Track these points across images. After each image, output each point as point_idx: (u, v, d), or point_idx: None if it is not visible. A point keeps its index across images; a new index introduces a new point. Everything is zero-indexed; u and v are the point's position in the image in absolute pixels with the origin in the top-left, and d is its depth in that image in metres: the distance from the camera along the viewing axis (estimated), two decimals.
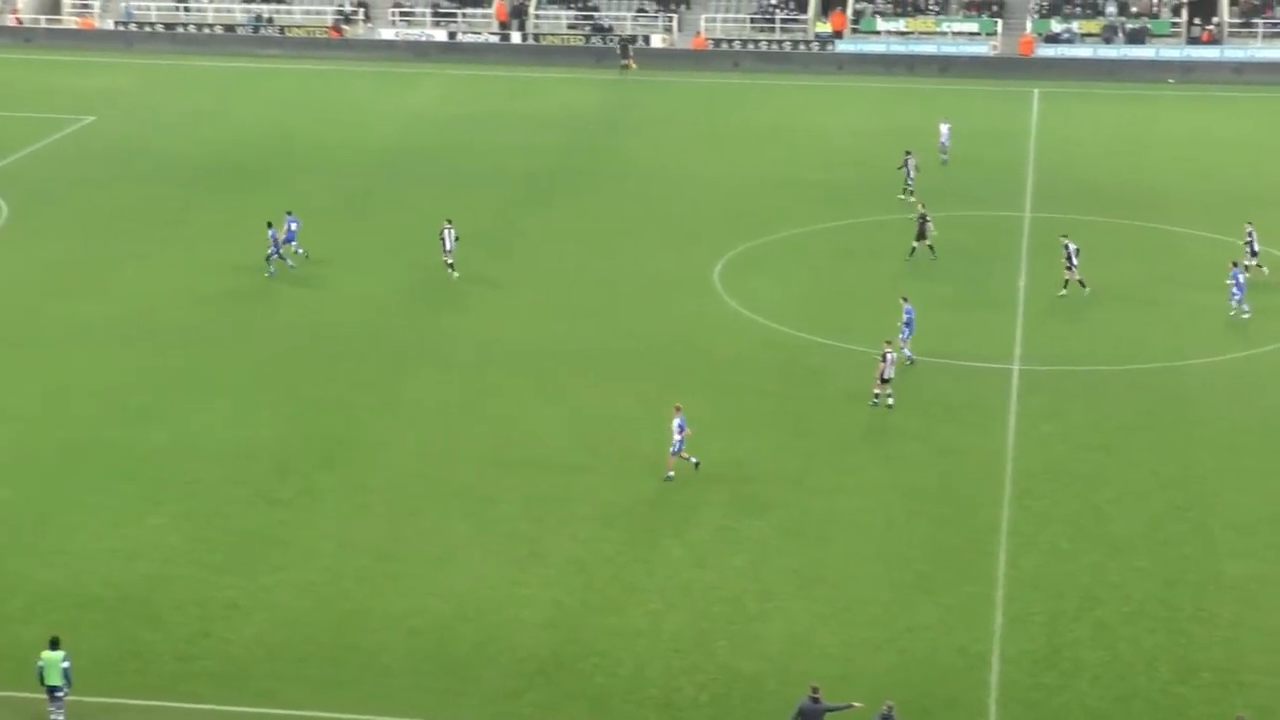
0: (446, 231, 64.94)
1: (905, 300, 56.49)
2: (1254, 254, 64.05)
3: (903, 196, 75.51)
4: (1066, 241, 63.13)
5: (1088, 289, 62.55)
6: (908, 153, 77.18)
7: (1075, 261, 62.57)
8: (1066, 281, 62.75)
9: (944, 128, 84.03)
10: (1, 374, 55.60)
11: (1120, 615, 40.64)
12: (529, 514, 45.50)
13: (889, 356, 52.14)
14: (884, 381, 52.44)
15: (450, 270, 64.93)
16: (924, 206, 68.71)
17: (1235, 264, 61.49)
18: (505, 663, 38.66)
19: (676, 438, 46.97)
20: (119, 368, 56.13)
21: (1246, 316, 60.35)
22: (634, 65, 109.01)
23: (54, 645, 35.80)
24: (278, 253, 65.42)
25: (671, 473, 47.20)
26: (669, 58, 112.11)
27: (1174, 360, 57.10)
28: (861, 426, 51.60)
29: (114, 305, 62.14)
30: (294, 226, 66.84)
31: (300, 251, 66.68)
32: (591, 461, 48.82)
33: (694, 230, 72.15)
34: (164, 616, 40.25)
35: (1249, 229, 64.86)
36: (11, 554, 43.15)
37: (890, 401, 52.64)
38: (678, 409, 47.48)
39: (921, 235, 67.12)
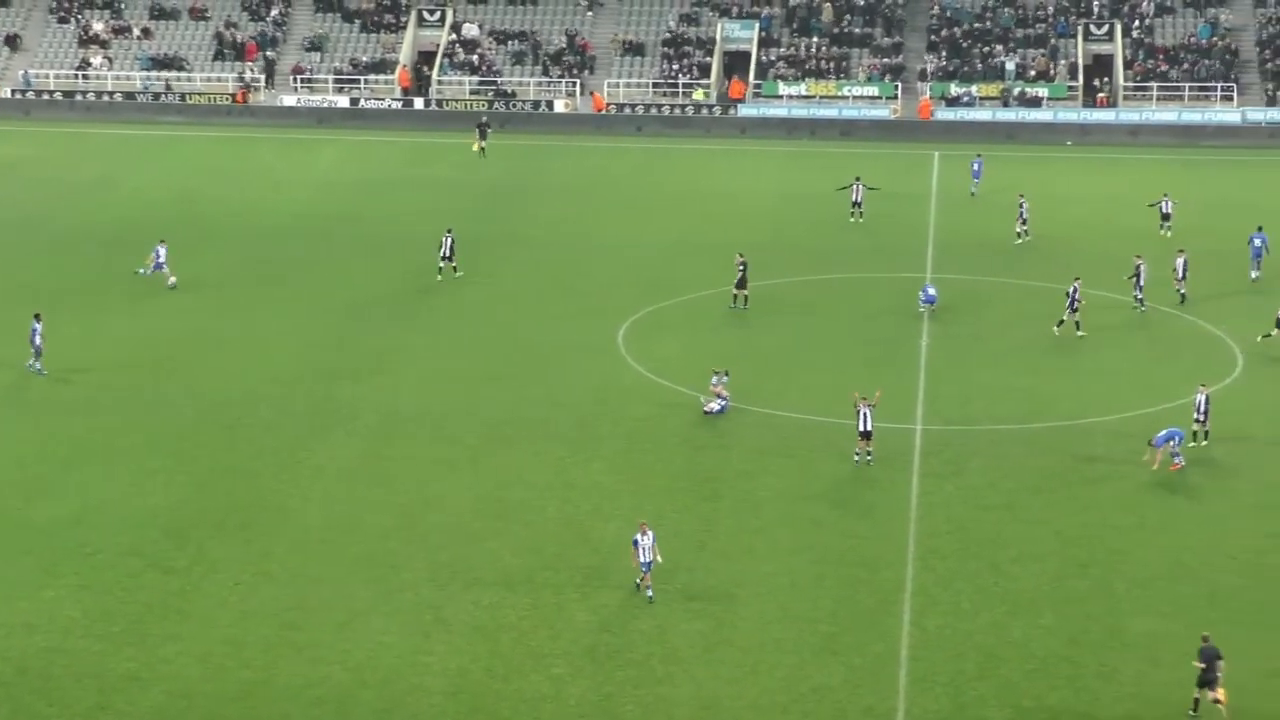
0: (445, 238, 73.71)
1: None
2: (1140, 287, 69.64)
3: (854, 220, 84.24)
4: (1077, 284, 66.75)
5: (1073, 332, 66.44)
6: (857, 178, 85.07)
7: (1077, 303, 66.23)
8: (1076, 323, 66.20)
9: (975, 164, 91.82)
10: None
11: (1023, 673, 40.73)
12: (433, 580, 45.18)
13: (862, 410, 52.93)
14: (864, 437, 53.05)
15: (449, 271, 73.51)
16: (742, 255, 70.05)
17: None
18: None
19: (645, 559, 43.85)
20: (16, 438, 55.39)
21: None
22: (483, 148, 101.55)
23: None
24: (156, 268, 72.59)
25: (647, 589, 44.33)
26: (573, 122, 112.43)
27: (1075, 419, 57.52)
28: (766, 489, 51.60)
29: (12, 375, 61.39)
30: (162, 253, 72.50)
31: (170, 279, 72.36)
32: (495, 527, 48.56)
33: (598, 294, 72.21)
34: (61, 690, 39.60)
35: (1138, 261, 70.02)
36: None
37: (869, 459, 53.20)
38: (644, 526, 44.38)
39: (741, 284, 69.20)
